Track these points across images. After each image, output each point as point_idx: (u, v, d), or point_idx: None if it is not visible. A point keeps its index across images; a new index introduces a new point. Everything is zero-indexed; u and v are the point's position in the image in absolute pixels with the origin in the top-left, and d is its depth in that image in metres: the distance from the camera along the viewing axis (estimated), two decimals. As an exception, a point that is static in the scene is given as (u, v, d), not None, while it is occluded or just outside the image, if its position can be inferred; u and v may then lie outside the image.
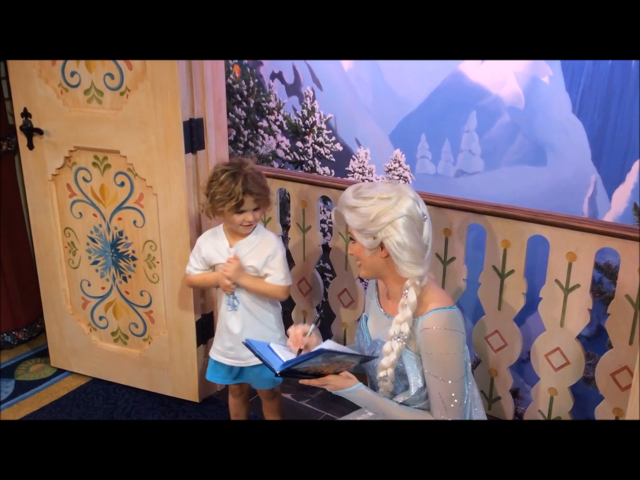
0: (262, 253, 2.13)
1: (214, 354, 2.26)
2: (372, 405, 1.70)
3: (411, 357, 1.66)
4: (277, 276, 2.14)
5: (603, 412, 2.15)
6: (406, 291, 1.65)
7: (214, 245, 2.17)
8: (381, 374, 1.68)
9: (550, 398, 2.24)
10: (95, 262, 2.64)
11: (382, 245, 1.63)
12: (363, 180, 3.31)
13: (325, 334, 2.06)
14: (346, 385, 1.65)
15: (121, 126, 2.37)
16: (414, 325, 1.64)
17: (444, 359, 1.61)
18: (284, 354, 1.71)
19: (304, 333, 1.75)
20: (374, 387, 1.80)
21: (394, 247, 1.61)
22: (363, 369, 1.85)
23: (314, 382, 1.65)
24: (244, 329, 2.16)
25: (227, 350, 2.21)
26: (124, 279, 2.61)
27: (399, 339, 1.64)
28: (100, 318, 2.73)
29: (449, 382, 1.61)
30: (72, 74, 2.40)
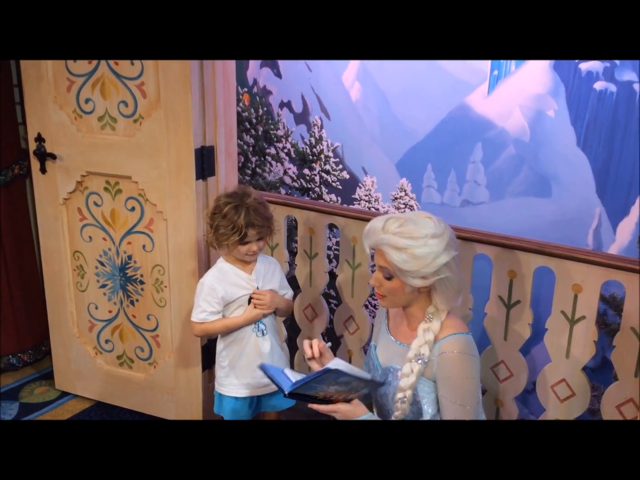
0: (277, 275, 2.20)
1: (240, 391, 2.16)
2: None
3: (425, 383, 1.66)
4: (290, 292, 2.26)
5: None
6: (430, 315, 1.65)
7: (230, 281, 2.12)
8: (399, 395, 1.66)
9: (556, 429, 2.23)
10: (103, 286, 2.66)
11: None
12: (369, 208, 3.34)
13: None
14: (356, 414, 1.63)
15: (133, 152, 2.40)
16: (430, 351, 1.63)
17: (461, 383, 1.61)
18: (296, 377, 1.71)
19: (318, 342, 1.74)
20: (382, 415, 1.80)
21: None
22: (372, 398, 1.85)
23: (323, 409, 1.63)
24: (272, 350, 2.18)
25: (260, 378, 2.06)
26: (132, 302, 2.62)
27: (419, 362, 1.63)
28: (107, 341, 2.73)
29: (467, 407, 1.60)
30: (87, 100, 2.44)
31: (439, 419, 1.67)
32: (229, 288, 2.12)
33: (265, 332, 2.16)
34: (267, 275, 2.17)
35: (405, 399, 1.66)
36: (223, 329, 2.15)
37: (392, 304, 1.72)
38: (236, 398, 2.18)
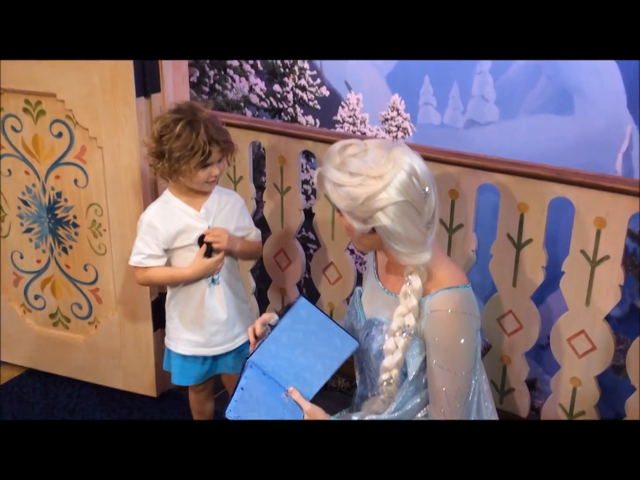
0: (235, 212, 2.18)
1: (187, 349, 2.22)
2: None
3: (413, 341, 1.66)
4: (257, 232, 2.25)
5: (635, 406, 2.19)
6: (409, 277, 1.63)
7: (175, 219, 2.10)
8: (384, 376, 1.67)
9: (573, 390, 2.28)
10: (28, 230, 2.64)
11: (374, 229, 1.60)
12: (354, 132, 3.31)
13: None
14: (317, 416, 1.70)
15: (57, 64, 2.33)
16: (419, 307, 1.63)
17: (453, 346, 1.62)
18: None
19: (263, 322, 1.79)
20: (365, 381, 1.83)
21: (386, 237, 1.58)
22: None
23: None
24: (228, 306, 2.18)
25: (211, 336, 2.18)
26: (64, 250, 2.61)
27: (404, 334, 1.63)
28: (36, 297, 2.74)
29: (457, 374, 1.62)
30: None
31: (423, 380, 1.69)
32: (171, 227, 2.11)
33: (217, 280, 2.16)
34: (222, 212, 2.15)
35: (392, 381, 1.67)
36: (168, 280, 2.18)
37: (362, 247, 1.74)
38: (184, 356, 2.23)
